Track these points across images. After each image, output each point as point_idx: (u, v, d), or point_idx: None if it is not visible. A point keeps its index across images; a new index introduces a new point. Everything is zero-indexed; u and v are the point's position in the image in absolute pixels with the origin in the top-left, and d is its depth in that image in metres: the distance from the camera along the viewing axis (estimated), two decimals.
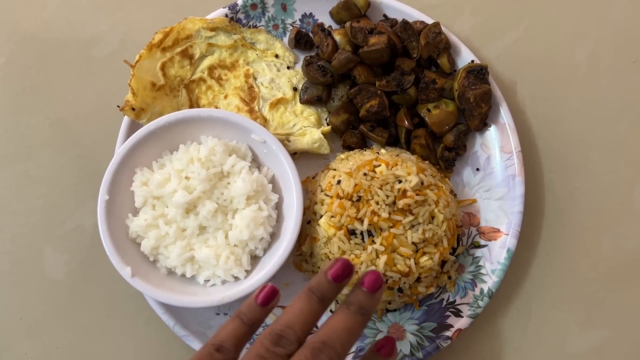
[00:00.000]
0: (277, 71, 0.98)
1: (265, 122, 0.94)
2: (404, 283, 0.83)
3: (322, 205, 0.86)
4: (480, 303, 0.86)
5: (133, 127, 0.90)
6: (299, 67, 0.98)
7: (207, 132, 0.89)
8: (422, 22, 0.94)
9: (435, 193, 0.84)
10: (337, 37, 0.94)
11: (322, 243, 0.85)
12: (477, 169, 0.93)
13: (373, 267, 0.81)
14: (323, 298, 0.61)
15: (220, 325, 0.87)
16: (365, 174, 0.84)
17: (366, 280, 0.62)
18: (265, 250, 0.87)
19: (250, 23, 0.99)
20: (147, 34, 0.94)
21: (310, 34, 0.98)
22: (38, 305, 0.94)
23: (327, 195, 0.86)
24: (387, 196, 0.83)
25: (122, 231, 0.86)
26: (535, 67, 1.01)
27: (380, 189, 0.83)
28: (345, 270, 0.62)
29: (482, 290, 0.87)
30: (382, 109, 0.91)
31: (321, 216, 0.85)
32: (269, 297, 0.63)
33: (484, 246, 0.90)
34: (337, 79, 0.94)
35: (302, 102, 0.96)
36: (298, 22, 0.99)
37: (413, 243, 0.82)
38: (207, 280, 0.86)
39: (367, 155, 0.89)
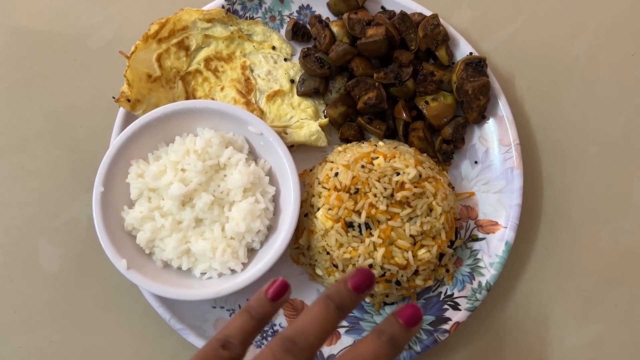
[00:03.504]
0: (274, 63, 0.97)
1: (262, 115, 0.93)
2: (402, 276, 0.83)
3: (320, 197, 0.85)
4: (478, 296, 0.86)
5: (128, 119, 0.89)
6: (296, 59, 0.98)
7: (204, 124, 0.88)
8: (420, 14, 0.94)
9: (433, 186, 0.84)
10: (335, 29, 0.93)
11: (320, 236, 0.84)
12: (475, 162, 0.93)
13: (370, 261, 0.81)
14: (341, 307, 0.56)
15: (216, 319, 0.87)
16: (363, 167, 0.84)
17: (404, 312, 0.57)
18: (262, 243, 0.87)
19: (247, 14, 0.98)
20: (143, 25, 0.93)
21: (308, 26, 0.98)
22: (33, 299, 0.93)
23: (325, 188, 0.85)
24: (385, 189, 0.82)
25: (118, 224, 0.85)
26: (534, 60, 1.01)
27: (378, 181, 0.82)
28: (368, 280, 0.57)
29: (480, 284, 0.87)
30: (380, 101, 0.90)
31: (318, 209, 0.85)
32: (279, 291, 0.59)
33: (482, 239, 0.89)
34: (335, 71, 0.94)
35: (300, 94, 0.95)
36: (295, 14, 0.98)
37: (411, 236, 0.82)
38: (203, 273, 0.85)
39: (365, 147, 0.89)
